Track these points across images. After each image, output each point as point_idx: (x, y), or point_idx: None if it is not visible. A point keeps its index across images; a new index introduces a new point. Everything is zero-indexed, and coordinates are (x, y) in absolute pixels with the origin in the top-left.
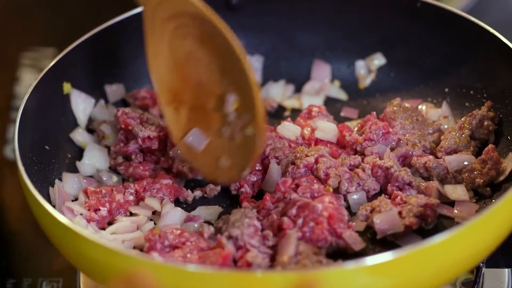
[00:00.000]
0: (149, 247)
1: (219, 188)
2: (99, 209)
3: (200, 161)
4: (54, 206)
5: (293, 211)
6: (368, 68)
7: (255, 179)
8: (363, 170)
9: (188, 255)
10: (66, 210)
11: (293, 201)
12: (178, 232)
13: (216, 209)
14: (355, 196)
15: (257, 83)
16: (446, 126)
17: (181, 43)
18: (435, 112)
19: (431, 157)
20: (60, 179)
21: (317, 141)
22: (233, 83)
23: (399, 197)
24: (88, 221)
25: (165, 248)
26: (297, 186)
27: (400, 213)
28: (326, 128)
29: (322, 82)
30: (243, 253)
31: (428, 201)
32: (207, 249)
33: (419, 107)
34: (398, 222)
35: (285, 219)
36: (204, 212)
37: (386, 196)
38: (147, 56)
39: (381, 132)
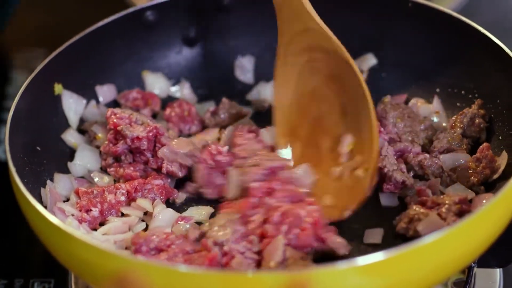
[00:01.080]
0: (135, 250)
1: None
2: (91, 210)
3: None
4: (45, 207)
5: (276, 218)
6: (359, 68)
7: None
8: None
9: (174, 258)
10: (58, 210)
11: (274, 208)
12: (164, 235)
13: (207, 210)
14: None
15: (377, 127)
16: (436, 120)
17: (309, 78)
18: (426, 108)
19: (427, 155)
20: (52, 180)
21: None
22: (353, 124)
23: (429, 201)
24: (80, 221)
25: (151, 251)
26: (271, 190)
27: (439, 215)
28: None
29: None
30: (229, 260)
31: (461, 197)
32: (192, 252)
33: (411, 102)
34: (442, 224)
35: (269, 227)
36: (195, 212)
37: (417, 203)
38: (274, 85)
39: None
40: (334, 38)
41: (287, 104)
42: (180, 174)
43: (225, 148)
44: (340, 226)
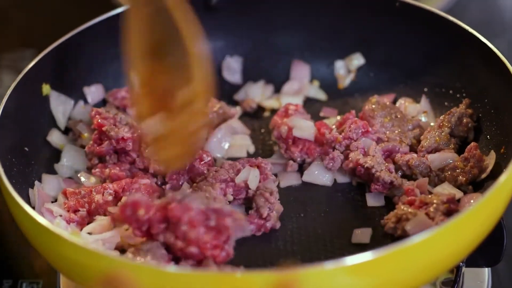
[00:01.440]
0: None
1: None
2: (78, 210)
3: (154, 148)
4: (33, 208)
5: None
6: (347, 68)
7: None
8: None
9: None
10: (46, 211)
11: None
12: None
13: None
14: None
15: (201, 57)
16: (424, 119)
17: (154, 29)
18: (413, 108)
19: (414, 155)
20: (40, 181)
21: (295, 140)
22: (185, 67)
23: (417, 201)
24: (68, 222)
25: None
26: None
27: (427, 214)
28: (304, 126)
29: (301, 82)
30: None
31: (449, 196)
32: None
33: (399, 102)
34: (430, 224)
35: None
36: None
37: (405, 203)
38: (125, 42)
39: (360, 131)
40: None
41: (139, 55)
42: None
43: (208, 158)
44: (328, 226)
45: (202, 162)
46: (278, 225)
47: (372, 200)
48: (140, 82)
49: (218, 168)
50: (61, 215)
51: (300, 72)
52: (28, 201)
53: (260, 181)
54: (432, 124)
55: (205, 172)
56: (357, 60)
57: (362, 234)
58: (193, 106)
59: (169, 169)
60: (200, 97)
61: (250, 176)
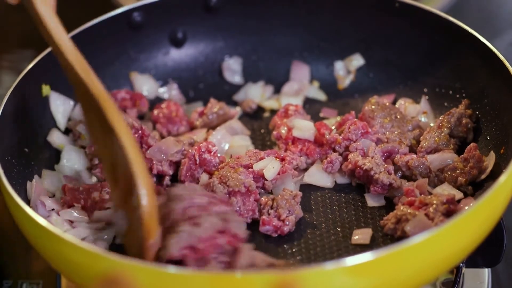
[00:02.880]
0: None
1: None
2: (73, 205)
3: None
4: (29, 201)
5: None
6: (347, 68)
7: None
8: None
9: None
10: (40, 204)
11: None
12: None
13: None
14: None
15: (138, 156)
16: (424, 119)
17: (97, 119)
18: (413, 108)
19: (414, 156)
20: (40, 176)
21: (294, 140)
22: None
23: (417, 201)
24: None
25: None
26: None
27: (427, 215)
28: (303, 126)
29: (301, 83)
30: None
31: (449, 197)
32: None
33: (399, 102)
34: (430, 224)
35: None
36: None
37: (404, 203)
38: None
39: (360, 132)
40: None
41: (101, 150)
42: (171, 172)
43: (215, 148)
44: (328, 227)
45: (211, 153)
46: (293, 229)
47: (372, 200)
48: (105, 169)
49: (241, 155)
50: (53, 209)
51: (300, 72)
52: (26, 199)
53: (278, 173)
54: (432, 124)
55: (217, 161)
56: (357, 60)
57: (362, 235)
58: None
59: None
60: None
61: (268, 166)
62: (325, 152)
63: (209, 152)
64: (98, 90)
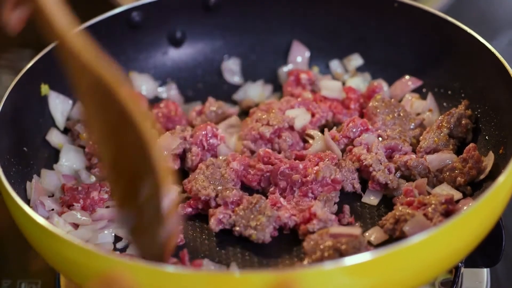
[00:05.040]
0: None
1: None
2: (73, 205)
3: (134, 236)
4: (29, 201)
5: None
6: (345, 68)
7: None
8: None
9: None
10: (39, 204)
11: None
12: None
13: None
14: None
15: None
16: (429, 117)
17: (106, 115)
18: (420, 104)
19: (413, 156)
20: (39, 176)
21: (322, 100)
22: (142, 162)
23: (416, 201)
24: (60, 214)
25: None
26: None
27: (425, 215)
28: (331, 86)
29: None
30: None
31: (447, 197)
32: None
33: (406, 97)
34: (428, 224)
35: None
36: None
37: (403, 203)
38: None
39: (359, 129)
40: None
41: (99, 140)
42: (176, 166)
43: (220, 131)
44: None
45: (218, 137)
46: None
47: (367, 197)
48: (107, 166)
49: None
50: (53, 209)
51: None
52: (25, 198)
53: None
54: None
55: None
56: (356, 60)
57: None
58: (154, 199)
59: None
60: (159, 190)
61: (300, 116)
62: (351, 115)
63: (215, 136)
64: (111, 78)
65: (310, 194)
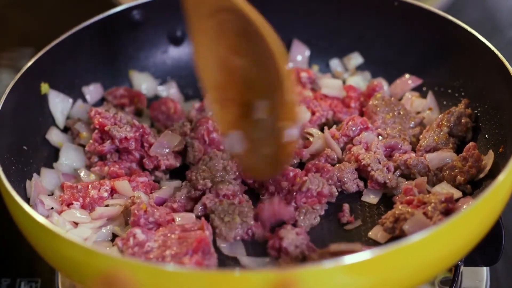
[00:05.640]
0: (133, 221)
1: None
2: (72, 204)
3: (242, 158)
4: (29, 199)
5: None
6: (345, 67)
7: None
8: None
9: (169, 234)
10: (39, 203)
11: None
12: (167, 210)
13: None
14: None
15: (290, 77)
16: (428, 113)
17: (224, 39)
18: (420, 102)
19: (412, 154)
20: (39, 174)
21: (323, 98)
22: (268, 80)
23: (416, 200)
24: (60, 213)
25: (149, 224)
26: None
27: (425, 214)
28: (332, 84)
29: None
30: None
31: (447, 195)
32: (190, 230)
33: (406, 96)
34: (428, 223)
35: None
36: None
37: (403, 202)
38: (194, 56)
39: (358, 128)
40: None
41: (211, 70)
42: (178, 163)
43: None
44: (328, 226)
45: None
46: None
47: (367, 196)
48: (216, 96)
49: None
50: (52, 208)
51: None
52: (25, 197)
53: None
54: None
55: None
56: (356, 59)
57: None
58: (281, 117)
59: (261, 177)
60: (289, 110)
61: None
62: (351, 114)
63: (216, 131)
64: None
65: (293, 204)
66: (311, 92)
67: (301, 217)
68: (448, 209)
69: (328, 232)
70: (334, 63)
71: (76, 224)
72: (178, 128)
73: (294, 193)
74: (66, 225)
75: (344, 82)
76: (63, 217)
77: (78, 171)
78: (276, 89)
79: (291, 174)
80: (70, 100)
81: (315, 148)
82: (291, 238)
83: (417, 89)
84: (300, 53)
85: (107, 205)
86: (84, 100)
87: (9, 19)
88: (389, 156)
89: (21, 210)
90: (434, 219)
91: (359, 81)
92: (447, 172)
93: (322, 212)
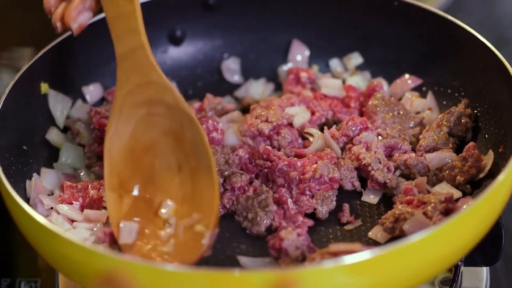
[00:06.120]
0: None
1: None
2: (72, 203)
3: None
4: (28, 199)
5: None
6: (345, 67)
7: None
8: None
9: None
10: (39, 202)
11: None
12: None
13: None
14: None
15: (219, 184)
16: (428, 113)
17: (147, 132)
18: (420, 102)
19: (412, 154)
20: (39, 174)
21: (322, 98)
22: (191, 180)
23: (415, 200)
24: (59, 213)
25: None
26: None
27: (425, 214)
28: (331, 84)
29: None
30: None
31: (447, 195)
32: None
33: (405, 96)
34: (428, 223)
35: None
36: None
37: (403, 202)
38: (106, 135)
39: (358, 128)
40: (177, 92)
41: (119, 157)
42: None
43: (220, 125)
44: (328, 226)
45: (218, 131)
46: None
47: (367, 195)
48: (115, 184)
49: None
50: (52, 208)
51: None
52: (25, 196)
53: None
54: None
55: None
56: (355, 59)
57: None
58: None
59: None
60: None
61: (299, 114)
62: (351, 114)
63: (216, 130)
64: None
65: (307, 192)
66: (311, 92)
67: (320, 205)
68: (448, 209)
69: (328, 232)
70: (334, 63)
71: (73, 222)
72: None
73: (308, 182)
74: (66, 225)
75: (344, 82)
76: (62, 216)
77: (78, 171)
78: (201, 202)
79: (299, 164)
80: (70, 100)
81: (315, 148)
82: (292, 239)
83: (417, 89)
84: (300, 53)
85: (104, 207)
86: (84, 100)
87: (9, 18)
88: (389, 156)
89: (21, 210)
90: (434, 219)
91: (359, 81)
92: (447, 172)
93: (335, 198)
